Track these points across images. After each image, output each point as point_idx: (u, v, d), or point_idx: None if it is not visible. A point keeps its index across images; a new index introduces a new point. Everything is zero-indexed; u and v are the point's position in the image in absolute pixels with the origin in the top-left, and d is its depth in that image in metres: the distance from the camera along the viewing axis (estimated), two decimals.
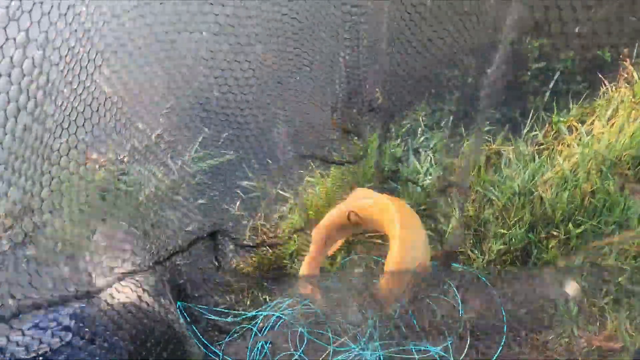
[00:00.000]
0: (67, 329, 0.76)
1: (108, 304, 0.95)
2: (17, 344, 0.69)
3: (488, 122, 1.45)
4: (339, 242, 1.23)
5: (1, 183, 0.65)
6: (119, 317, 0.84)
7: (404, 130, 1.54)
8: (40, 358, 0.69)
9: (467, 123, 1.48)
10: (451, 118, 1.52)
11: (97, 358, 0.74)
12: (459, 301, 1.14)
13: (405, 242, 1.08)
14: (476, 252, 1.24)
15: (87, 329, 0.78)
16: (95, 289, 0.80)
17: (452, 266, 1.23)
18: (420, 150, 1.49)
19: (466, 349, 1.06)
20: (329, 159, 1.30)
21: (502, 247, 1.24)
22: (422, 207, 1.32)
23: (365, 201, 1.22)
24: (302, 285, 1.08)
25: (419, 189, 1.38)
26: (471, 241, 1.30)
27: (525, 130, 1.48)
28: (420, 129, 1.53)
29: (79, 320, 0.82)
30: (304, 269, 1.09)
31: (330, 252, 1.19)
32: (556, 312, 1.16)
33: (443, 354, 1.05)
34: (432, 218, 1.33)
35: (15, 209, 0.71)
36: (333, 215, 1.18)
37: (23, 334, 0.75)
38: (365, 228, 1.26)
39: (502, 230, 1.25)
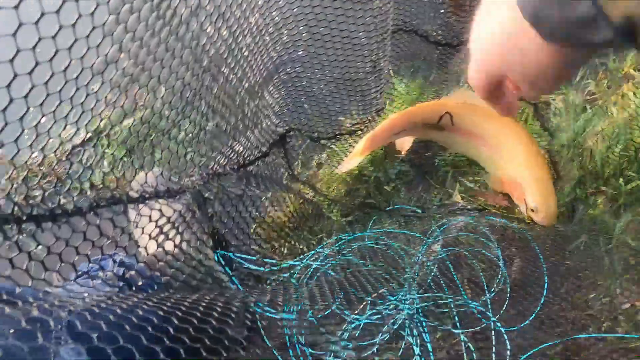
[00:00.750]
0: (114, 278, 0.75)
1: (148, 252, 0.94)
2: (70, 295, 0.68)
3: None
4: (409, 142, 1.13)
5: None
6: (160, 265, 0.83)
7: None
8: (93, 307, 0.68)
9: None
10: None
11: (145, 308, 0.73)
12: (500, 255, 1.11)
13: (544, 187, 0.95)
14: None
15: (131, 278, 0.76)
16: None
17: (493, 219, 1.18)
18: None
19: (506, 304, 1.04)
20: None
21: None
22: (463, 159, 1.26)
23: (475, 108, 1.01)
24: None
25: None
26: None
27: (577, 79, 1.38)
28: None
29: (124, 268, 0.81)
30: (358, 147, 0.99)
31: (399, 147, 1.07)
32: (599, 270, 1.13)
33: (482, 308, 1.03)
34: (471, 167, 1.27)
35: None
36: (422, 108, 1.05)
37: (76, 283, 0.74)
38: (447, 142, 1.09)
39: None
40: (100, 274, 0.79)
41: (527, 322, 1.03)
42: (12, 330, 0.56)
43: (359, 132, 1.19)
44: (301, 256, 1.00)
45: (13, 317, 0.57)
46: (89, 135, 1.22)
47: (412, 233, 1.07)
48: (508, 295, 1.06)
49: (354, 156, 1.06)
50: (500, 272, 1.08)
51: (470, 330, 1.00)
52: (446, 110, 1.00)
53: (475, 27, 0.56)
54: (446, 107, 1.02)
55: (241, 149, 0.93)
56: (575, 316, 1.07)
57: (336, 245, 0.99)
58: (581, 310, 1.08)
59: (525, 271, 1.12)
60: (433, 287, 1.01)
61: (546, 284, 1.08)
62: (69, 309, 0.64)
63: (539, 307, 1.05)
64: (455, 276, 1.05)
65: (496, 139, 1.07)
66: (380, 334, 0.92)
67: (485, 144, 1.08)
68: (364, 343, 0.91)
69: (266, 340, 0.89)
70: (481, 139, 1.07)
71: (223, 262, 0.97)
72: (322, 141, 1.18)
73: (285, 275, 0.96)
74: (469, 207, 1.15)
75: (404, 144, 1.14)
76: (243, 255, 0.98)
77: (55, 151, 1.19)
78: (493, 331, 1.02)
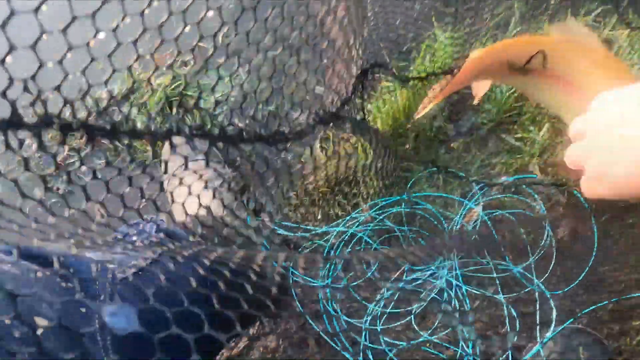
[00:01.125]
0: (153, 244, 0.76)
1: (184, 215, 0.94)
2: (111, 262, 0.69)
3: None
4: (486, 86, 0.97)
5: None
6: (195, 229, 0.83)
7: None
8: (135, 273, 0.68)
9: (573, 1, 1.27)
10: None
11: (185, 273, 0.73)
12: (546, 217, 1.06)
13: None
14: None
15: (170, 243, 0.76)
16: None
17: (540, 178, 1.12)
18: None
19: (550, 268, 1.00)
20: None
21: None
22: (507, 114, 1.18)
23: (581, 50, 0.81)
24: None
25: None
26: (565, 149, 1.16)
27: None
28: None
29: (161, 232, 0.81)
30: (434, 91, 0.89)
31: (474, 92, 0.95)
32: None
33: (525, 272, 0.99)
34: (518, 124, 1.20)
35: None
36: (508, 44, 0.86)
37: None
38: (531, 90, 0.88)
39: None
40: (137, 238, 0.80)
41: (574, 284, 0.99)
42: (56, 297, 0.57)
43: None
44: (336, 222, 0.98)
45: (56, 283, 0.58)
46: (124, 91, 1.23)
47: (451, 196, 1.02)
48: (554, 257, 1.02)
49: (430, 100, 0.95)
50: (546, 234, 1.03)
51: (512, 295, 0.96)
52: (539, 48, 0.80)
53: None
54: (540, 44, 0.82)
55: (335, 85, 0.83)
56: (627, 278, 1.01)
57: (372, 210, 0.96)
58: (634, 270, 1.02)
59: (574, 232, 1.07)
60: (473, 252, 0.98)
61: (595, 245, 1.03)
62: (112, 273, 0.65)
63: (587, 269, 1.01)
64: (497, 239, 1.01)
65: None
66: (417, 302, 0.91)
67: (584, 97, 0.86)
68: (399, 311, 0.90)
69: (300, 308, 0.89)
70: (581, 91, 0.84)
71: (256, 227, 0.96)
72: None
73: (320, 241, 0.95)
74: (545, 181, 1.08)
75: (480, 88, 0.99)
76: (277, 221, 0.97)
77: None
78: (537, 294, 0.98)
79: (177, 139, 1.06)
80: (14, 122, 0.36)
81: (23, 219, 0.39)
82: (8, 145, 0.36)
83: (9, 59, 0.35)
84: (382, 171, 1.04)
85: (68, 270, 0.62)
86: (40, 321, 0.52)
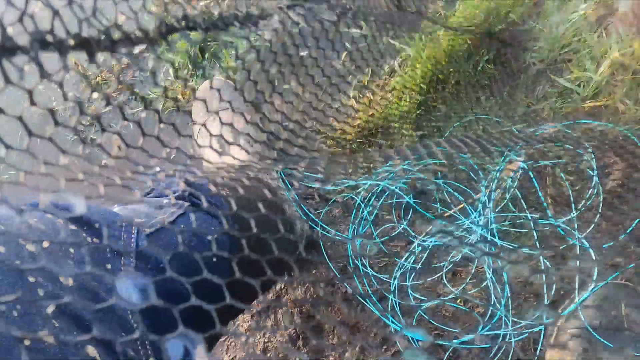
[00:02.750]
0: (181, 197, 0.75)
1: (211, 166, 0.94)
2: (139, 216, 0.69)
3: None
4: None
5: None
6: (225, 183, 0.82)
7: None
8: (163, 227, 0.69)
9: None
10: None
11: (212, 227, 0.73)
12: (594, 166, 0.99)
13: None
14: (629, 102, 1.02)
15: (198, 197, 0.76)
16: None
17: (588, 123, 1.04)
18: None
19: (594, 223, 0.94)
20: None
21: None
22: (563, 51, 1.08)
23: None
24: None
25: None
26: (624, 88, 1.06)
27: None
28: None
29: (191, 187, 0.81)
30: None
31: None
32: None
33: (566, 227, 0.94)
34: (573, 62, 1.09)
35: None
36: None
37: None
38: None
39: None
40: (167, 191, 0.80)
41: (620, 237, 0.94)
42: (81, 251, 0.57)
43: None
44: (366, 175, 0.95)
45: (82, 238, 0.59)
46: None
47: (491, 146, 0.97)
48: (600, 210, 0.96)
49: None
50: (593, 185, 0.97)
51: (549, 250, 0.93)
52: None
53: None
54: None
55: None
56: None
57: (406, 162, 0.92)
58: None
59: (625, 182, 0.99)
60: (512, 206, 0.93)
61: None
62: (137, 228, 0.65)
63: (635, 222, 0.95)
64: (539, 192, 0.96)
65: None
66: (449, 257, 0.88)
67: None
68: (431, 267, 0.88)
69: (328, 262, 0.89)
70: None
71: (285, 180, 0.95)
72: None
73: (351, 194, 0.93)
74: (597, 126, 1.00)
75: None
76: (306, 173, 0.95)
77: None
78: (578, 248, 0.94)
79: (215, 81, 1.04)
80: (7, 48, 0.32)
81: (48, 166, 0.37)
82: (7, 79, 0.32)
83: None
84: (418, 120, 0.99)
85: (93, 225, 0.62)
86: (64, 279, 0.52)
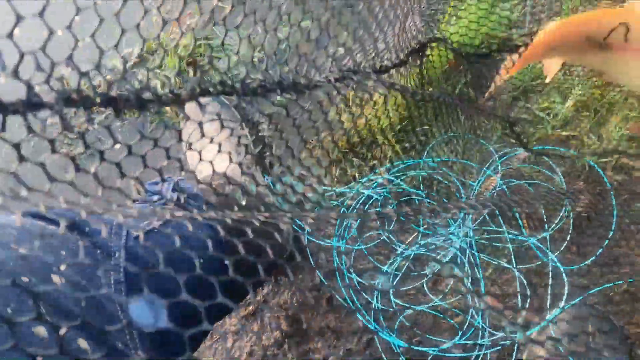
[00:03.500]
0: (169, 203, 0.75)
1: (202, 176, 0.94)
2: (129, 218, 0.68)
3: None
4: (557, 65, 0.89)
5: None
6: (214, 190, 0.82)
7: None
8: (151, 230, 0.68)
9: None
10: None
11: (200, 230, 0.73)
12: (565, 191, 1.04)
13: None
14: (593, 137, 1.10)
15: (186, 202, 0.76)
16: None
17: (557, 150, 1.10)
18: None
19: (566, 243, 0.99)
20: None
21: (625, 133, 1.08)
22: (534, 82, 1.15)
23: None
24: None
25: None
26: (588, 124, 1.14)
27: None
28: None
29: (178, 192, 0.81)
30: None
31: (545, 71, 0.90)
32: None
33: (540, 245, 0.98)
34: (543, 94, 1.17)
35: None
36: (585, 17, 0.79)
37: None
38: (610, 67, 0.81)
39: (630, 114, 1.08)
40: (155, 198, 0.80)
41: (588, 261, 0.98)
42: (72, 255, 0.57)
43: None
44: (352, 183, 0.97)
45: (73, 242, 0.58)
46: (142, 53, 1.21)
47: (470, 163, 1.01)
48: (570, 231, 1.01)
49: (501, 77, 0.91)
50: (564, 208, 1.02)
51: (526, 266, 0.96)
52: (621, 21, 0.73)
53: None
54: (622, 16, 0.75)
55: (383, 47, 0.80)
56: None
57: (389, 173, 0.95)
58: None
59: (592, 208, 1.05)
60: (489, 220, 0.97)
61: (614, 222, 1.02)
62: (127, 231, 0.65)
63: (603, 247, 1.00)
64: (514, 210, 1.00)
65: None
66: (430, 266, 0.90)
67: None
68: (413, 274, 0.89)
69: (315, 266, 0.89)
70: None
71: (272, 188, 0.96)
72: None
73: (336, 202, 0.94)
74: (566, 154, 1.05)
75: (552, 66, 0.93)
76: (292, 181, 0.96)
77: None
78: (550, 267, 0.98)
79: (203, 100, 1.05)
80: (33, 103, 0.33)
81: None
82: (30, 129, 0.33)
83: (16, 32, 0.31)
84: (401, 134, 1.03)
85: (83, 229, 0.63)
86: (56, 279, 0.53)
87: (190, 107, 1.04)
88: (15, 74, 0.30)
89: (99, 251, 0.61)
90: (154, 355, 0.60)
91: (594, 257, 0.98)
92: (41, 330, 0.45)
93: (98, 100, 0.37)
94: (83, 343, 0.48)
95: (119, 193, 0.46)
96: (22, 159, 0.33)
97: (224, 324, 0.88)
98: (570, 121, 1.14)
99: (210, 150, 0.82)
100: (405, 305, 0.87)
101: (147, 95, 0.43)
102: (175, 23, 1.25)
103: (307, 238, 0.90)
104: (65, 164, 0.37)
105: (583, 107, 1.15)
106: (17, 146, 0.32)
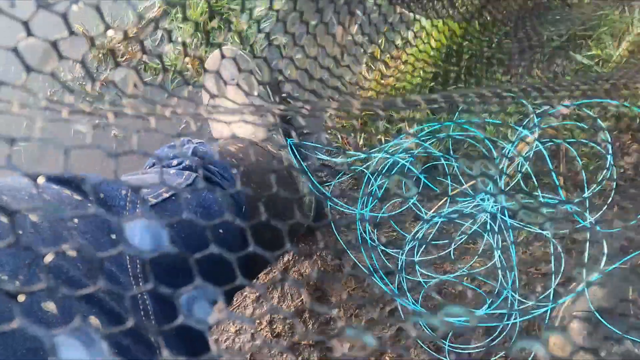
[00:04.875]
0: (189, 168, 0.74)
1: (224, 141, 0.93)
2: (145, 185, 0.68)
3: None
4: None
5: None
6: (234, 154, 0.80)
7: None
8: (170, 197, 0.67)
9: None
10: None
11: (219, 197, 0.72)
12: (610, 147, 0.97)
13: None
14: None
15: (206, 168, 0.75)
16: None
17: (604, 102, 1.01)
18: None
19: (606, 207, 0.93)
20: None
21: None
22: (582, 28, 1.05)
23: None
24: None
25: None
26: None
27: None
28: None
29: (199, 158, 0.79)
30: None
31: None
32: None
33: (577, 209, 0.93)
34: (593, 39, 1.06)
35: None
36: None
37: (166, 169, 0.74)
38: None
39: None
40: (174, 162, 0.78)
41: (631, 223, 0.93)
42: (85, 222, 0.56)
43: None
44: (378, 147, 0.93)
45: (87, 209, 0.58)
46: (162, 9, 1.17)
47: (504, 123, 0.95)
48: (612, 192, 0.94)
49: None
50: (607, 167, 0.95)
51: (560, 231, 0.91)
52: None
53: None
54: None
55: None
56: None
57: (418, 136, 0.90)
58: None
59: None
60: (523, 184, 0.92)
61: None
62: (144, 198, 0.64)
63: None
64: (553, 172, 0.94)
65: None
66: (458, 233, 0.87)
67: None
68: (440, 242, 0.87)
69: (336, 234, 0.88)
70: None
71: (295, 151, 0.93)
72: None
73: (361, 167, 0.91)
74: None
75: None
76: (316, 145, 0.93)
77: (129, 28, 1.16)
78: (588, 232, 0.93)
79: (226, 50, 1.02)
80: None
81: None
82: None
83: None
84: (431, 93, 0.97)
85: (99, 195, 0.62)
86: (68, 248, 0.52)
87: (213, 62, 1.01)
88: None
89: (115, 218, 0.60)
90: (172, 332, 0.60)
91: (636, 219, 0.92)
92: (50, 306, 0.45)
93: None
94: (94, 320, 0.49)
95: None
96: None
97: (244, 291, 0.89)
98: (622, 68, 1.04)
99: (233, 111, 0.80)
100: (431, 274, 0.85)
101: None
102: None
103: (330, 205, 0.88)
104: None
105: (638, 50, 1.05)
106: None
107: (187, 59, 1.04)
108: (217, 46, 1.10)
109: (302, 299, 0.83)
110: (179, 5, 1.21)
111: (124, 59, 1.10)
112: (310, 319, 0.82)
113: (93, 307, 0.49)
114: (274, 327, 0.84)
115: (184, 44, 1.15)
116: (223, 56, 0.64)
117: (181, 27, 1.14)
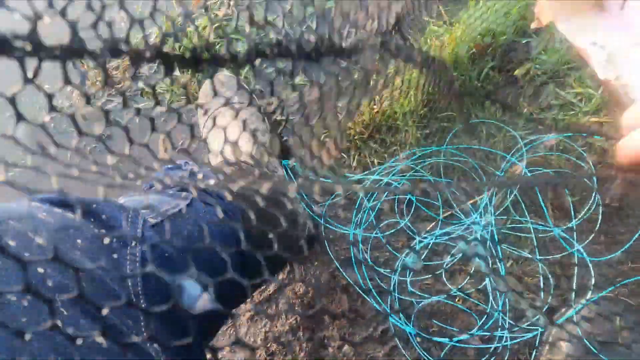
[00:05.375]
0: (186, 189, 0.75)
1: (219, 162, 0.94)
2: (144, 207, 0.69)
3: None
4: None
5: None
6: (230, 176, 0.81)
7: None
8: (168, 217, 0.68)
9: None
10: None
11: (216, 217, 0.73)
12: (594, 179, 1.00)
13: None
14: None
15: (203, 189, 0.76)
16: None
17: (589, 137, 1.05)
18: None
19: (594, 234, 0.95)
20: None
21: None
22: (566, 67, 1.10)
23: None
24: None
25: None
26: (623, 108, 1.08)
27: None
28: None
29: (196, 179, 0.80)
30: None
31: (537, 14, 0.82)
32: None
33: (565, 235, 0.95)
34: (575, 78, 1.12)
35: None
36: None
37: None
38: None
39: None
40: (172, 183, 0.79)
41: (617, 252, 0.95)
42: (88, 243, 0.56)
43: None
44: (371, 170, 0.96)
45: (89, 230, 0.58)
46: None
47: (493, 150, 0.98)
48: (599, 222, 0.97)
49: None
50: (593, 197, 0.98)
51: (549, 257, 0.93)
52: None
53: None
54: None
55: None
56: None
57: (410, 159, 0.93)
58: None
59: (623, 197, 1.01)
60: (512, 210, 0.94)
61: None
62: (144, 219, 0.65)
63: (634, 238, 0.95)
64: (541, 199, 0.96)
65: None
66: (449, 256, 0.88)
67: None
68: (430, 263, 0.88)
69: (330, 254, 0.88)
70: None
71: (290, 172, 0.95)
72: None
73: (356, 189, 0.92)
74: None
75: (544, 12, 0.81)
76: (309, 167, 0.95)
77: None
78: (576, 259, 0.94)
79: (220, 76, 1.04)
80: (75, 50, 0.28)
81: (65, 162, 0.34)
82: (68, 81, 0.28)
83: None
84: (422, 120, 1.00)
85: (100, 217, 0.62)
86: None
87: (203, 92, 1.04)
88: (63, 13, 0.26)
89: (115, 240, 0.61)
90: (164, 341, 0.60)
91: (623, 249, 0.94)
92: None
93: (148, 54, 0.32)
94: (99, 338, 0.48)
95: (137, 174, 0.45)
96: (53, 109, 0.29)
97: (239, 309, 0.88)
98: (603, 107, 1.09)
99: (230, 133, 0.81)
100: (423, 295, 0.85)
101: (205, 55, 0.38)
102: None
103: (324, 225, 0.89)
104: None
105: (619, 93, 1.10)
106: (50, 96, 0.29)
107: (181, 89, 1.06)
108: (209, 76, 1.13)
109: (296, 318, 0.82)
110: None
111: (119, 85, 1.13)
112: (304, 337, 0.81)
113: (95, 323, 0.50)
114: (269, 345, 0.83)
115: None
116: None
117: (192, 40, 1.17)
